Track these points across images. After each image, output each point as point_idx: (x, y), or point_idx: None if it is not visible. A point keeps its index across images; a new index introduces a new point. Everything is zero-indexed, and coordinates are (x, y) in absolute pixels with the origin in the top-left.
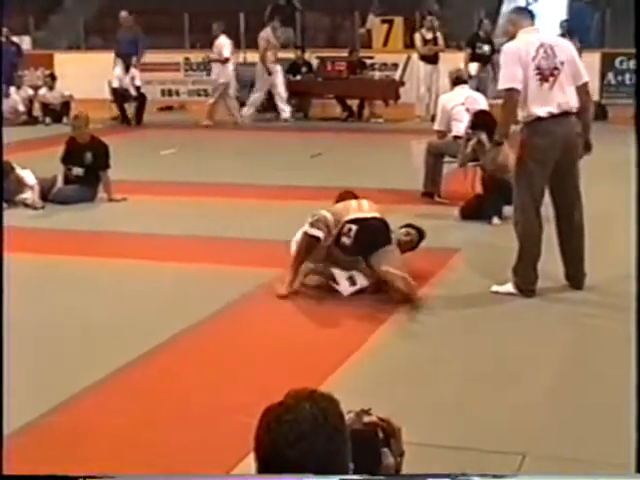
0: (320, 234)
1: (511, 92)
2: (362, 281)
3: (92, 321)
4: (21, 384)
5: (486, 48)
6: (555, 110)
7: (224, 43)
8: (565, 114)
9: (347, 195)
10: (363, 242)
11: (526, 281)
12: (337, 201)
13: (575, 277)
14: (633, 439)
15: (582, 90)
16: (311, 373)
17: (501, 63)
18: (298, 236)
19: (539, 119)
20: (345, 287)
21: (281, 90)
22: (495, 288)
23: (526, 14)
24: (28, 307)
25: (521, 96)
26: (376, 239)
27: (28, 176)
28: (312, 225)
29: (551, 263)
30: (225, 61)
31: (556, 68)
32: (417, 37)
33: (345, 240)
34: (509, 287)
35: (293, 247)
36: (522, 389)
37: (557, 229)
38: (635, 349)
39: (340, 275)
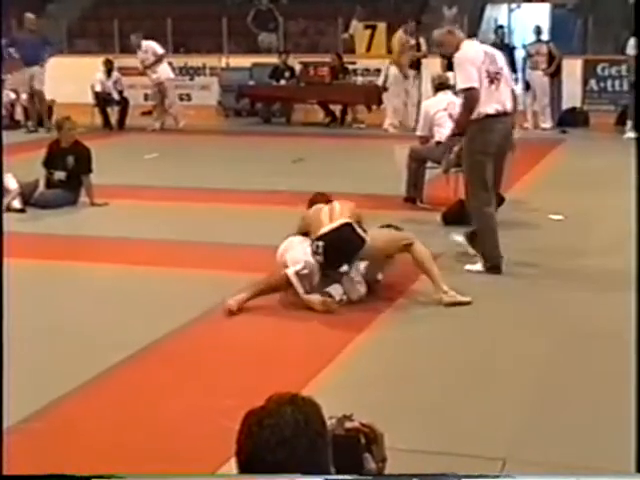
0: (301, 290)
1: (472, 91)
2: (339, 292)
3: (73, 325)
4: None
5: None
6: (500, 108)
7: (152, 44)
8: (505, 114)
9: (319, 198)
10: (334, 257)
11: (493, 259)
12: (309, 205)
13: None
14: (618, 440)
15: (512, 95)
16: (293, 377)
17: (457, 67)
18: (284, 246)
19: (487, 116)
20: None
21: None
22: (468, 267)
23: (458, 28)
24: (8, 311)
25: None
26: (346, 250)
27: (10, 180)
28: (297, 275)
29: None
30: (162, 58)
31: (498, 73)
32: (396, 42)
33: (318, 258)
34: (479, 267)
35: (285, 257)
36: (505, 390)
37: None
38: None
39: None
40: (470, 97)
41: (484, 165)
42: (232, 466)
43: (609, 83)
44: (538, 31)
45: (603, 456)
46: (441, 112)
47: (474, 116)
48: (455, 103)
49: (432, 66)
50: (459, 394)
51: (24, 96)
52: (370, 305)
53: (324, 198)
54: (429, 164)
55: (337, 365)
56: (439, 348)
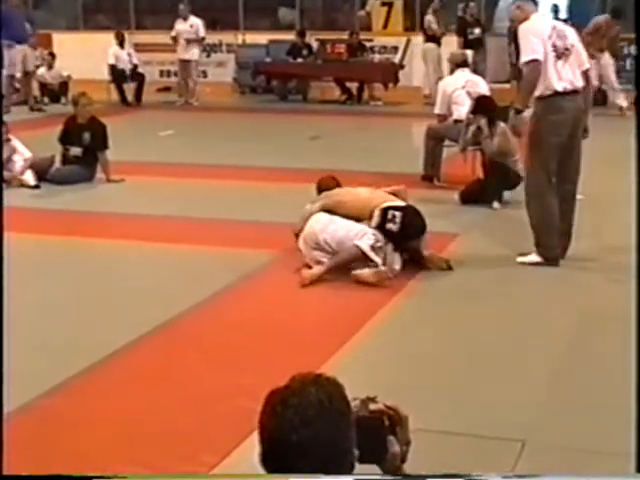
0: (379, 261)
1: (535, 63)
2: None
3: (89, 302)
4: (17, 364)
5: (477, 31)
6: (569, 86)
7: (199, 22)
8: (574, 92)
9: (329, 181)
10: (410, 227)
11: (551, 250)
12: (319, 186)
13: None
14: (633, 433)
15: (584, 76)
16: (312, 356)
17: (520, 39)
18: (315, 223)
19: (555, 94)
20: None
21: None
22: (520, 259)
23: (531, 1)
24: (23, 288)
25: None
26: (421, 224)
27: (22, 148)
28: (372, 249)
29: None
30: (203, 39)
31: (567, 49)
32: (430, 19)
33: (392, 226)
34: (533, 257)
35: (329, 234)
36: (526, 372)
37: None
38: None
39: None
40: (532, 70)
41: (550, 150)
42: (250, 445)
43: (627, 62)
44: (555, 9)
45: (622, 441)
46: (459, 90)
47: (540, 92)
48: (473, 81)
49: (450, 44)
50: (479, 375)
51: (18, 75)
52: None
53: (334, 182)
54: (446, 142)
55: (356, 343)
56: (460, 329)
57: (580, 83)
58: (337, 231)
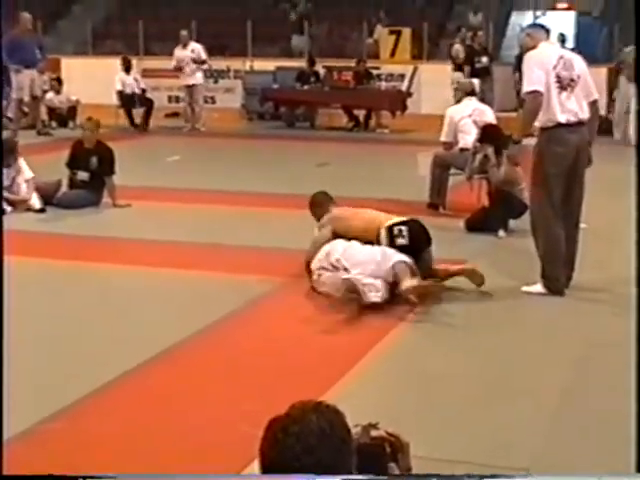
0: (378, 300)
1: (535, 94)
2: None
3: (94, 327)
4: (22, 387)
5: (485, 60)
6: (572, 118)
7: (199, 47)
8: (579, 124)
9: (323, 198)
10: (419, 237)
11: (555, 282)
12: (314, 205)
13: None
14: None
15: (592, 107)
16: (315, 383)
17: (524, 68)
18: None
19: (558, 125)
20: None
21: None
22: (525, 288)
23: (542, 30)
24: (30, 311)
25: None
26: (427, 236)
27: (25, 167)
28: (368, 289)
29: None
30: (204, 63)
31: (573, 80)
32: (458, 48)
33: (401, 241)
34: (538, 287)
35: (346, 260)
36: (529, 399)
37: None
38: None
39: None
40: (532, 100)
41: (553, 180)
42: (252, 471)
43: None
44: (562, 39)
45: (628, 465)
46: (466, 119)
47: (542, 124)
48: (480, 109)
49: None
50: (482, 403)
51: (26, 99)
52: (389, 310)
53: (328, 197)
54: (452, 170)
55: (360, 370)
56: (464, 356)
57: (586, 115)
58: (355, 255)
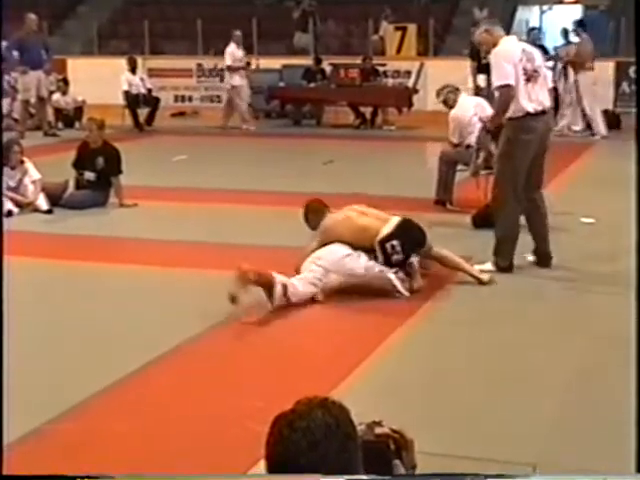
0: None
1: (507, 88)
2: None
3: (101, 326)
4: (27, 388)
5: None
6: (538, 107)
7: (226, 51)
8: (543, 112)
9: (317, 204)
10: (411, 246)
11: (506, 259)
12: (308, 211)
13: (543, 255)
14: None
15: (550, 95)
16: (322, 380)
17: (493, 64)
18: (326, 254)
19: (526, 114)
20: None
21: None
22: (477, 267)
23: (498, 24)
24: (36, 312)
25: None
26: (419, 237)
27: (32, 169)
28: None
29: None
30: (227, 69)
31: (535, 71)
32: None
33: (397, 257)
34: (488, 266)
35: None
36: (536, 395)
37: (525, 212)
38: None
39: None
40: (505, 94)
41: (519, 168)
42: (259, 469)
43: None
44: (565, 33)
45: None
46: (473, 117)
47: (512, 114)
48: (480, 104)
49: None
50: (489, 399)
51: (33, 100)
52: (394, 309)
53: (322, 203)
54: (459, 167)
55: (367, 367)
56: (470, 352)
57: (548, 103)
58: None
